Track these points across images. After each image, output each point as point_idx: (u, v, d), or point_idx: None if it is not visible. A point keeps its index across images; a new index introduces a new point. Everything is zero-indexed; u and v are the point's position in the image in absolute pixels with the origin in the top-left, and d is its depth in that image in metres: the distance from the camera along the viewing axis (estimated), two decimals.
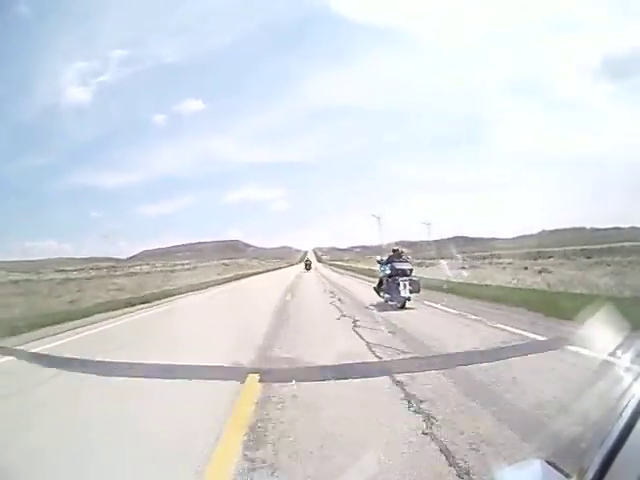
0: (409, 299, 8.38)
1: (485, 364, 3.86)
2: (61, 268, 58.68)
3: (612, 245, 47.68)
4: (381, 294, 9.37)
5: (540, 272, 20.33)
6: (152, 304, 12.36)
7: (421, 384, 3.37)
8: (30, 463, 2.41)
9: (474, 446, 2.24)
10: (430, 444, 2.32)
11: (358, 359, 4.35)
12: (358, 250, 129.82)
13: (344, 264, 53.46)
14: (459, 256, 38.11)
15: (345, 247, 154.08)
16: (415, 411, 2.83)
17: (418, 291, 8.70)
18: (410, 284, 8.35)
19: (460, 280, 16.11)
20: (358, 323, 6.86)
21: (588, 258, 30.93)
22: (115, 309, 10.96)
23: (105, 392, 3.78)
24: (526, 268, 24.69)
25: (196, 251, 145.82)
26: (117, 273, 42.41)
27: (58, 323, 8.75)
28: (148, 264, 73.45)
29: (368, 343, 5.18)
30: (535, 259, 34.71)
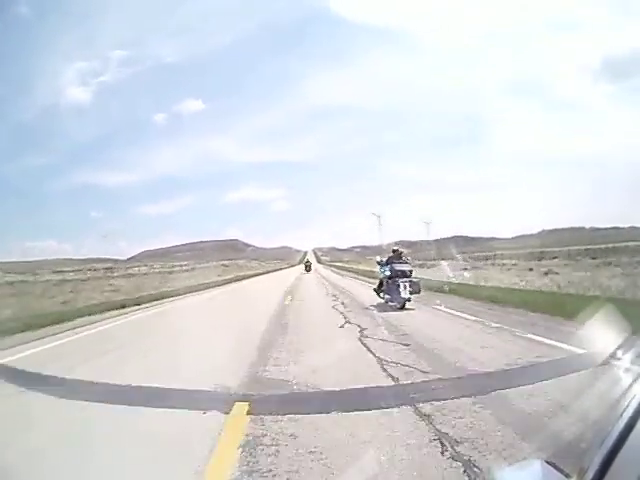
0: (409, 300, 8.33)
1: (525, 387, 3.16)
2: (59, 269, 58.02)
3: (615, 245, 47.11)
4: (381, 295, 9.33)
5: (546, 273, 20.02)
6: (142, 307, 11.72)
7: (453, 417, 2.68)
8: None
9: None
10: None
11: (370, 382, 3.62)
12: (358, 250, 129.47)
13: (344, 265, 52.88)
14: (459, 256, 37.74)
15: (345, 247, 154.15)
16: (452, 457, 2.15)
17: (418, 292, 8.62)
18: (410, 285, 8.30)
19: (465, 282, 15.64)
20: (365, 333, 6.08)
21: (593, 259, 30.45)
22: (103, 312, 10.43)
23: (48, 418, 3.14)
24: (531, 269, 24.25)
25: (196, 251, 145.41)
26: (114, 274, 41.74)
27: (41, 327, 8.34)
28: (146, 265, 72.85)
29: (380, 359, 4.42)
30: (539, 260, 34.18)
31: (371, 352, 4.78)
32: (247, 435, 2.57)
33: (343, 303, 10.36)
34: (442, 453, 2.22)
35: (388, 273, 8.85)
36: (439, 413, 2.75)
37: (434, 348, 4.84)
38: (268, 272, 48.35)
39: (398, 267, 8.74)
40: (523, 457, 1.95)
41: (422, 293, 8.81)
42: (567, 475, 0.80)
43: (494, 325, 6.06)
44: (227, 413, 2.94)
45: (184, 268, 54.23)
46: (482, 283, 14.95)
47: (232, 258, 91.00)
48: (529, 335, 5.19)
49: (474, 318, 6.80)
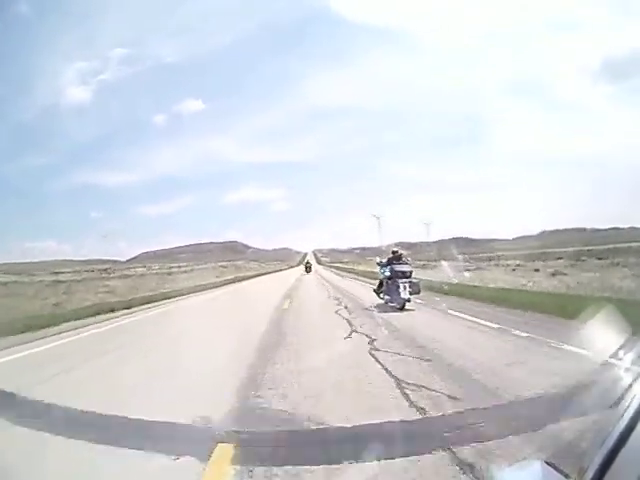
0: (409, 300, 8.37)
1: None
2: (58, 270, 57.39)
3: (617, 246, 46.64)
4: (381, 296, 9.39)
5: (554, 274, 19.57)
6: (131, 311, 11.03)
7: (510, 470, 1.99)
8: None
9: None
10: None
11: (391, 414, 2.79)
12: (358, 252, 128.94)
13: (345, 266, 52.29)
14: (460, 257, 37.37)
15: (345, 249, 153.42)
16: None
17: (418, 293, 8.71)
18: (410, 286, 8.36)
19: (471, 283, 15.05)
20: (376, 345, 5.21)
21: (599, 259, 29.97)
22: (88, 316, 9.76)
23: None
24: (537, 270, 23.75)
25: (196, 252, 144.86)
26: (110, 275, 41.08)
27: (21, 332, 7.77)
28: (144, 266, 72.23)
29: (398, 381, 3.58)
30: (544, 260, 33.63)
31: (386, 370, 3.97)
32: None
33: (347, 307, 9.53)
34: None
35: (388, 274, 8.87)
36: (484, 460, 2.06)
37: (461, 366, 4.04)
38: (267, 273, 47.76)
39: (398, 268, 8.77)
40: (523, 457, 1.92)
41: (434, 297, 8.38)
42: (567, 475, 0.79)
43: (523, 335, 5.32)
44: (206, 460, 2.23)
45: (182, 269, 53.63)
46: (490, 285, 14.41)
47: (232, 259, 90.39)
48: (564, 346, 4.46)
49: (497, 326, 6.05)
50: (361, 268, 34.56)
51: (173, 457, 2.30)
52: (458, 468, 2.00)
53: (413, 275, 9.04)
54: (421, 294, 9.01)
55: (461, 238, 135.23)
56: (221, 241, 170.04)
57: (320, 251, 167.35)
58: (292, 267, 73.40)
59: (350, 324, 6.99)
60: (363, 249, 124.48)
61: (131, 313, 10.80)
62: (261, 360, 4.74)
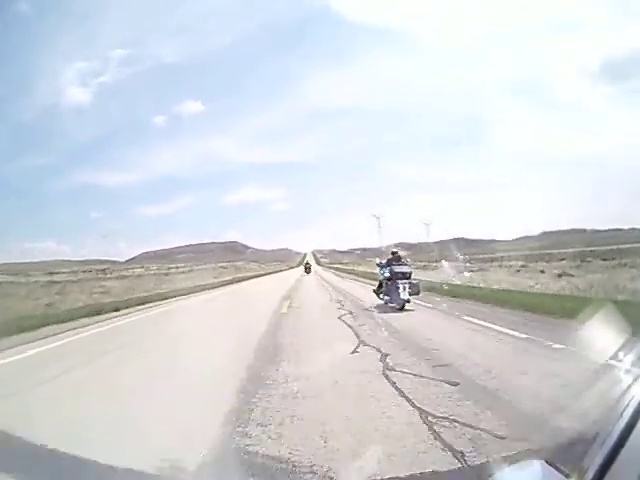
0: (408, 301, 8.39)
1: None
2: (56, 270, 56.89)
3: (620, 246, 46.27)
4: (381, 296, 9.38)
5: (560, 275, 19.20)
6: (119, 313, 10.43)
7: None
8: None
9: None
10: None
11: (421, 463, 2.09)
12: (358, 252, 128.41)
13: (345, 267, 51.77)
14: (460, 257, 36.98)
15: (345, 249, 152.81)
16: None
17: (417, 293, 8.69)
18: (410, 287, 8.39)
19: (476, 285, 14.57)
20: (389, 362, 4.33)
21: (604, 260, 29.60)
22: (75, 319, 9.19)
23: None
24: (542, 271, 23.34)
25: (196, 253, 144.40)
26: (107, 275, 40.59)
27: None
28: (143, 267, 71.73)
29: (424, 414, 2.81)
30: (548, 261, 33.23)
31: (408, 400, 3.14)
32: None
33: (351, 313, 8.67)
34: None
35: (388, 275, 8.88)
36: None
37: (496, 389, 3.32)
38: (267, 274, 47.26)
39: (397, 269, 8.78)
40: (523, 457, 1.83)
41: (442, 300, 7.93)
42: (567, 475, 0.79)
43: (556, 346, 4.58)
44: None
45: (180, 270, 53.16)
46: (495, 286, 13.95)
47: (231, 260, 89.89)
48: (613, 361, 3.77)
49: (524, 335, 5.29)
50: (361, 269, 34.02)
51: None
52: None
53: (413, 276, 9.05)
54: (430, 297, 8.53)
55: (461, 239, 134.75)
56: (221, 241, 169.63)
57: (320, 252, 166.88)
58: (292, 268, 72.91)
59: (356, 334, 6.14)
60: (363, 250, 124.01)
61: (121, 315, 10.22)
62: (251, 382, 3.90)
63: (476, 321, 6.71)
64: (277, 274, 46.08)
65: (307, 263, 42.75)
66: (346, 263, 71.05)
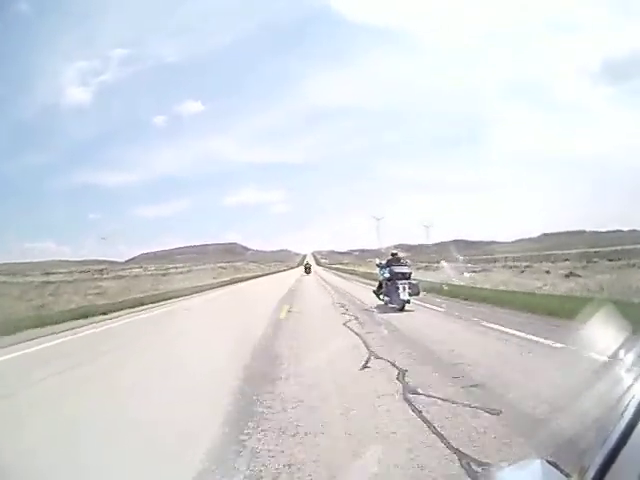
0: (408, 302, 8.37)
1: None
2: (54, 270, 56.15)
3: (625, 247, 45.80)
4: (381, 297, 9.37)
5: (567, 276, 18.64)
6: (105, 317, 9.72)
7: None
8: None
9: None
10: None
11: None
12: (357, 253, 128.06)
13: (345, 267, 51.21)
14: (460, 258, 36.54)
15: (344, 250, 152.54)
16: None
17: (417, 294, 8.66)
18: (409, 287, 8.39)
19: (482, 286, 13.97)
20: (409, 381, 3.56)
21: (611, 261, 29.10)
22: (54, 323, 8.49)
23: None
24: (548, 272, 22.79)
25: (195, 254, 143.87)
26: (104, 276, 39.91)
27: None
28: (141, 267, 71.04)
29: (465, 458, 2.13)
30: (553, 262, 32.68)
31: (440, 437, 2.40)
32: None
33: (357, 318, 7.78)
34: None
35: (387, 275, 8.86)
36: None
37: (545, 419, 2.54)
38: (266, 274, 46.65)
39: (397, 269, 8.76)
40: (524, 456, 1.83)
41: (453, 303, 7.45)
42: (567, 474, 0.78)
43: (602, 359, 3.83)
44: None
45: (179, 270, 52.46)
46: (502, 287, 13.32)
47: (231, 261, 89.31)
48: None
49: (560, 345, 4.56)
50: (362, 270, 33.41)
51: None
52: None
53: (415, 277, 9.01)
54: (440, 300, 7.80)
55: (461, 240, 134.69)
56: (221, 242, 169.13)
57: (319, 253, 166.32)
58: (292, 268, 72.43)
59: (365, 344, 5.32)
60: (362, 251, 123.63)
61: (109, 319, 9.53)
62: (240, 411, 3.08)
63: (497, 327, 6.01)
64: (276, 275, 45.50)
65: (307, 263, 42.95)
66: (346, 264, 70.48)
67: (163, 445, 2.55)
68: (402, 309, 8.24)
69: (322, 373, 4.05)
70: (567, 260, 35.19)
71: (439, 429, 2.52)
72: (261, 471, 2.17)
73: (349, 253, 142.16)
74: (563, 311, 6.51)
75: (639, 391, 0.67)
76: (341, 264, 73.30)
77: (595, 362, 3.57)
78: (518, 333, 5.44)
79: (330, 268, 62.22)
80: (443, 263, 24.90)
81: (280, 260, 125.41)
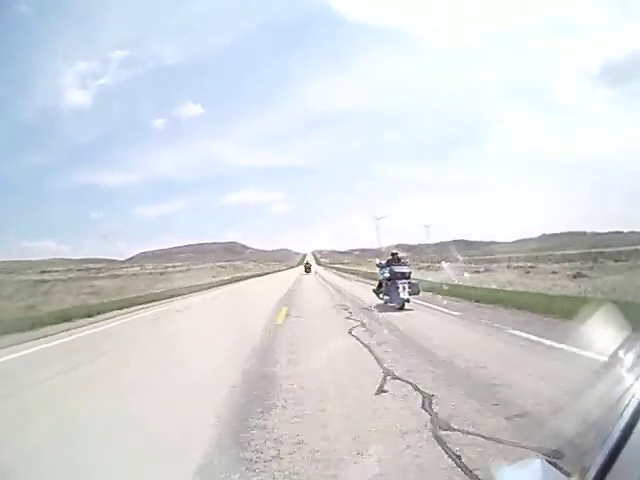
0: (408, 301, 8.46)
1: None
2: (53, 269, 55.66)
3: (627, 248, 45.51)
4: (380, 296, 9.42)
5: (575, 276, 18.23)
6: (91, 320, 9.15)
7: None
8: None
9: None
10: None
11: None
12: (357, 253, 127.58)
13: (345, 267, 50.72)
14: (460, 258, 36.09)
15: (344, 250, 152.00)
16: None
17: (417, 293, 8.77)
18: (409, 287, 8.47)
19: (488, 286, 13.46)
20: (438, 408, 2.85)
21: (616, 261, 28.70)
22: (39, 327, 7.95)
23: None
24: (554, 272, 22.34)
25: (195, 253, 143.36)
26: (100, 275, 39.39)
27: None
28: (140, 266, 70.53)
29: None
30: (557, 262, 32.24)
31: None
32: None
33: (364, 325, 6.81)
34: None
35: (387, 275, 8.92)
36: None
37: None
38: (266, 274, 46.20)
39: (397, 269, 8.82)
40: (524, 456, 1.82)
41: (464, 305, 7.23)
42: (568, 474, 0.78)
43: None
44: None
45: (177, 269, 52.01)
46: (508, 288, 12.81)
47: (230, 260, 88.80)
48: None
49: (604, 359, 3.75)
50: (362, 269, 32.88)
51: None
52: None
53: (415, 277, 9.07)
54: (449, 303, 7.60)
55: (461, 240, 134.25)
56: (220, 242, 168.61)
57: (319, 252, 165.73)
58: (292, 267, 71.99)
59: (377, 359, 4.41)
60: (362, 250, 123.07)
61: (94, 322, 8.94)
62: (222, 460, 2.27)
63: (522, 335, 5.37)
64: (276, 274, 45.04)
65: (307, 263, 42.68)
66: (346, 263, 69.98)
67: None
68: (402, 308, 8.29)
69: (328, 399, 3.23)
70: (571, 260, 34.75)
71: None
72: None
73: (349, 253, 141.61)
74: (592, 316, 5.93)
75: (639, 391, 0.67)
76: (341, 264, 72.76)
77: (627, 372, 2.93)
78: (553, 344, 4.67)
79: (331, 267, 61.67)
80: (443, 264, 24.47)
81: (280, 259, 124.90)
